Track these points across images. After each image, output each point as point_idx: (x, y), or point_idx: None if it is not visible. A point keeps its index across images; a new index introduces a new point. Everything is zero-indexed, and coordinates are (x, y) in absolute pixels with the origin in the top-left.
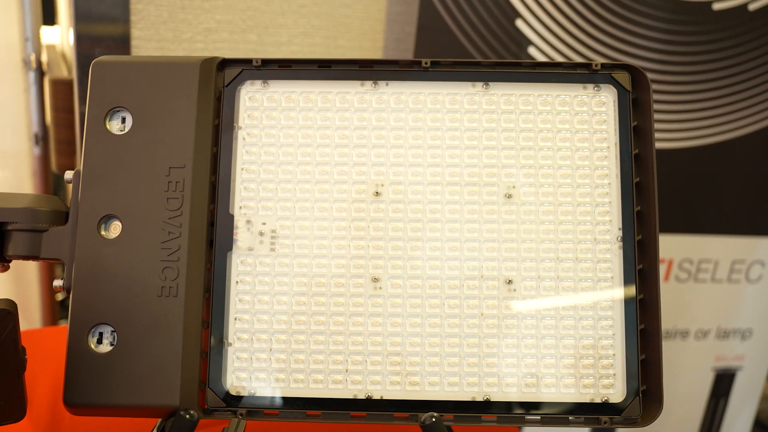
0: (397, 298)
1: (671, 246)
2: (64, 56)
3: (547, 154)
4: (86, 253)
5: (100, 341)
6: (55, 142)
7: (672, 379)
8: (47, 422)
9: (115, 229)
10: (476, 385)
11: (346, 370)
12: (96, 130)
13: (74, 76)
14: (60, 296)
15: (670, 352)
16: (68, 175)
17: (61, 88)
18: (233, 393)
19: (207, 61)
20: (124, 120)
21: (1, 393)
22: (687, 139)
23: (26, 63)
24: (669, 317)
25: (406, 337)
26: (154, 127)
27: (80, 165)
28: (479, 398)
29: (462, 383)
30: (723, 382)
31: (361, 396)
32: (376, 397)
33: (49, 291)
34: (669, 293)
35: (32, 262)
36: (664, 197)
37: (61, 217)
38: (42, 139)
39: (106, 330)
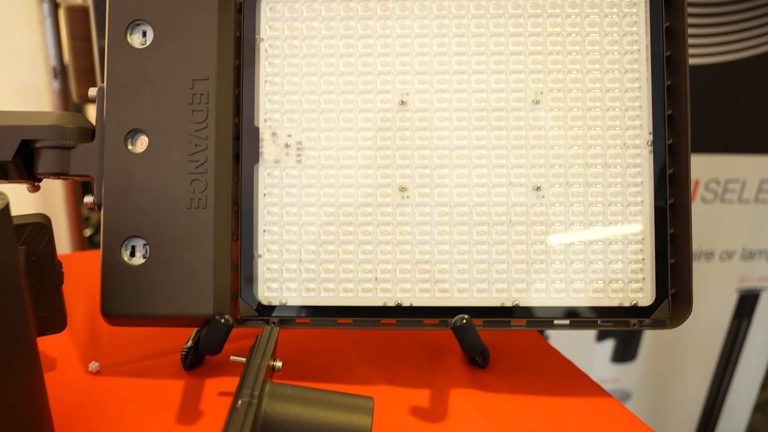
0: (425, 206)
1: (697, 166)
2: None
3: (575, 58)
4: (115, 168)
5: (132, 254)
6: (74, 71)
7: (695, 300)
8: (86, 336)
9: (141, 143)
10: (505, 291)
11: (376, 279)
12: (117, 44)
13: (90, 1)
14: (88, 232)
15: (694, 273)
16: (92, 92)
17: (78, 15)
18: (265, 303)
19: None
20: (144, 33)
21: (41, 304)
22: (713, 54)
23: None
24: (694, 239)
25: (435, 245)
26: (175, 40)
27: (104, 81)
28: (508, 304)
29: (491, 289)
30: (747, 303)
31: (391, 303)
32: (406, 304)
33: (77, 228)
34: (694, 214)
35: (59, 196)
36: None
37: (88, 134)
38: (60, 72)
39: (138, 243)
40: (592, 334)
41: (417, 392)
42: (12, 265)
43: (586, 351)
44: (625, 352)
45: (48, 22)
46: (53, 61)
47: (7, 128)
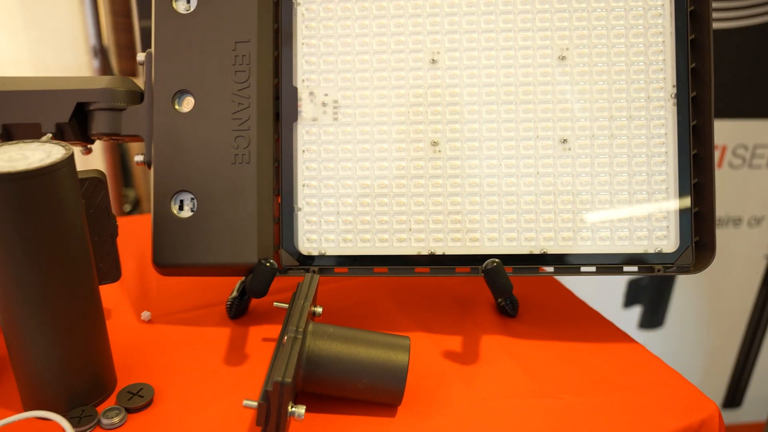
0: (456, 160)
1: (725, 131)
2: None
3: (600, 14)
4: (163, 127)
5: (181, 208)
6: (115, 46)
7: (723, 266)
8: (137, 289)
9: (188, 103)
10: (533, 239)
11: (410, 229)
12: (164, 11)
13: None
14: (128, 207)
15: (722, 239)
16: (140, 57)
17: None
18: (305, 254)
19: None
20: (188, 0)
21: (99, 255)
22: (741, 18)
23: None
24: (722, 204)
25: (466, 196)
26: (217, 5)
27: (151, 46)
28: (536, 251)
29: (520, 238)
30: None
31: (425, 252)
32: (439, 253)
33: (116, 204)
34: (722, 180)
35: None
36: (717, 81)
37: (137, 96)
38: (99, 51)
39: (187, 197)
40: (618, 300)
41: (450, 338)
42: (77, 208)
43: (613, 317)
44: (652, 319)
45: (87, 1)
46: (93, 40)
47: (63, 92)
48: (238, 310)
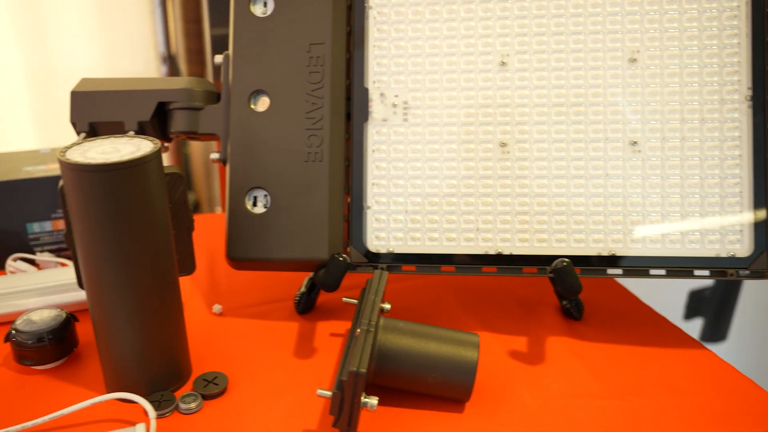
0: (524, 161)
1: None
2: None
3: (672, 16)
4: (239, 126)
5: (255, 204)
6: (185, 51)
7: None
8: (208, 283)
9: (263, 103)
10: (602, 241)
11: (477, 229)
12: (242, 14)
13: None
14: None
15: None
16: (218, 59)
17: (191, 0)
18: (373, 251)
19: None
20: (266, 4)
21: (177, 247)
22: None
23: None
24: None
25: (534, 197)
26: (293, 8)
27: (229, 48)
28: (605, 253)
29: (588, 240)
30: None
31: (492, 252)
32: (506, 253)
33: None
34: None
35: None
36: None
37: (214, 97)
38: (168, 58)
39: (260, 194)
40: (679, 311)
41: (515, 338)
42: (163, 200)
43: None
44: (714, 332)
45: (158, 12)
46: (161, 48)
47: (146, 92)
48: (306, 306)
